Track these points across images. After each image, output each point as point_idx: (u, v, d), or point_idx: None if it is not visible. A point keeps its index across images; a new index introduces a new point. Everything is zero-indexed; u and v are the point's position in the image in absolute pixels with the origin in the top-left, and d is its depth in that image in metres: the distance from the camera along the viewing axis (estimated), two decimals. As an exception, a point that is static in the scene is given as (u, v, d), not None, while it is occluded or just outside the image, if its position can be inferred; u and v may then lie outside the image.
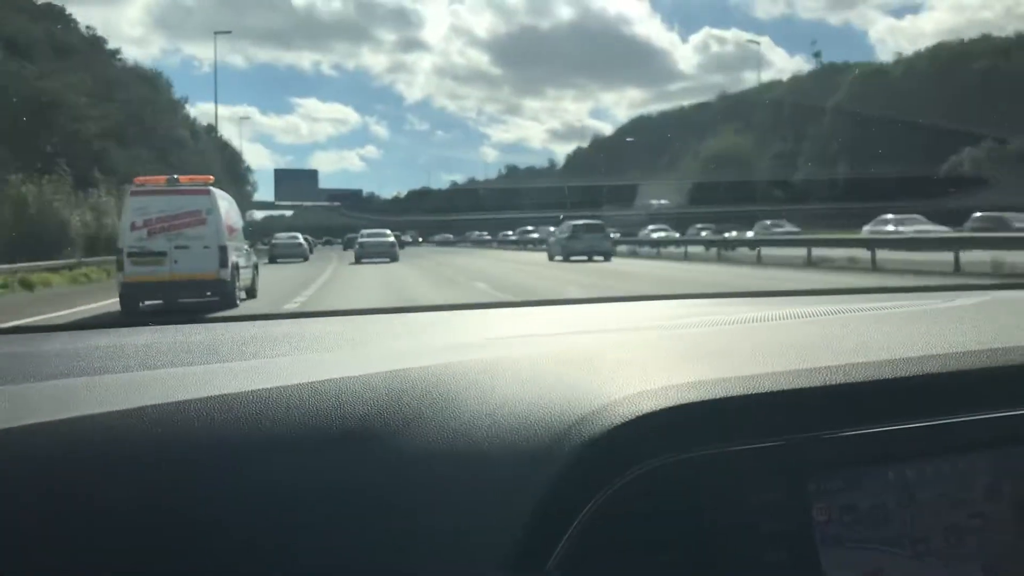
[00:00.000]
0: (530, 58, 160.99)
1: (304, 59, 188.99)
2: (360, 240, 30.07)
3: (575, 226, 25.63)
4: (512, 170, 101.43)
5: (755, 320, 1.10)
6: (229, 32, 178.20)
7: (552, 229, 29.00)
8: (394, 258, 27.65)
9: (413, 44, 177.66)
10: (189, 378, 0.78)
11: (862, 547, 0.73)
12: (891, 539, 0.74)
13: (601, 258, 24.53)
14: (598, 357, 0.84)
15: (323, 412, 0.69)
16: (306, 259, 31.27)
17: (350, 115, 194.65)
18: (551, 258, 26.11)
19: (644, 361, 0.84)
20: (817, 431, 0.73)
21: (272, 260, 30.31)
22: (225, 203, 13.14)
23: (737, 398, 0.72)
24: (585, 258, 24.52)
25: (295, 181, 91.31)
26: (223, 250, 12.29)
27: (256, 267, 15.15)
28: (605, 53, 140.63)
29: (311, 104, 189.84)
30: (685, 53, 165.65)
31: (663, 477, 0.67)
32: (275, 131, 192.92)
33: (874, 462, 0.74)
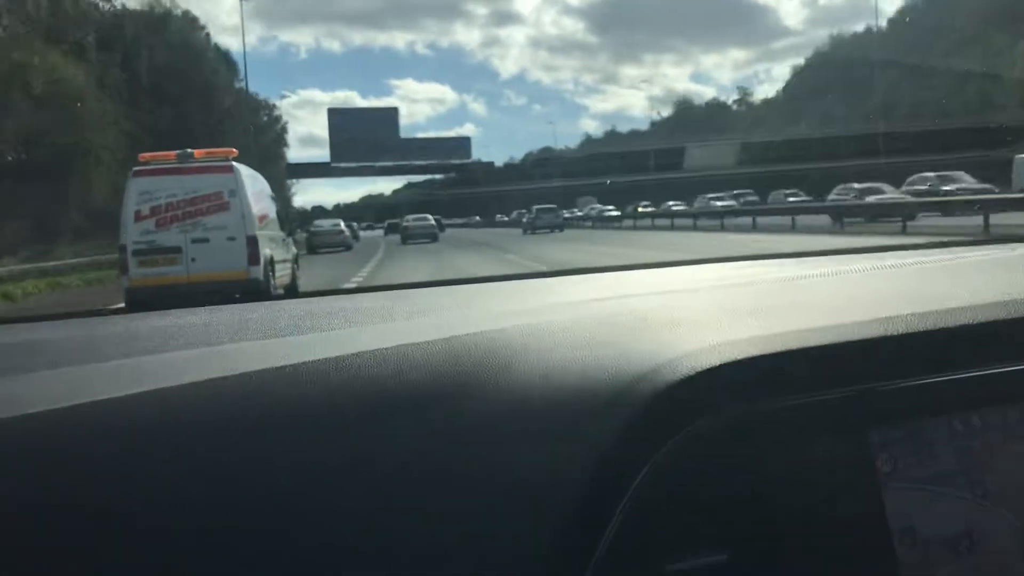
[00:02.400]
0: (626, 23, 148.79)
1: (398, 39, 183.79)
2: (404, 224, 36.02)
3: (537, 209, 37.30)
4: (612, 134, 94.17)
5: (804, 277, 1.10)
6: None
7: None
8: (435, 239, 33.06)
9: (506, 17, 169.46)
10: (249, 352, 0.80)
11: (927, 496, 0.72)
12: (956, 487, 0.73)
13: (557, 230, 35.35)
14: (651, 317, 0.84)
15: (384, 379, 0.69)
16: (350, 248, 29.17)
17: (447, 94, 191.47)
18: (523, 233, 35.77)
19: (696, 319, 0.82)
20: (877, 382, 0.72)
21: (312, 250, 28.05)
22: (254, 183, 10.50)
23: (793, 352, 0.71)
24: (548, 230, 35.10)
25: (362, 127, 60.24)
26: (253, 242, 9.67)
27: (296, 260, 12.54)
28: (705, 13, 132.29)
29: (408, 85, 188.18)
30: (790, 8, 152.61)
31: (721, 433, 0.67)
32: None
33: (937, 411, 0.73)
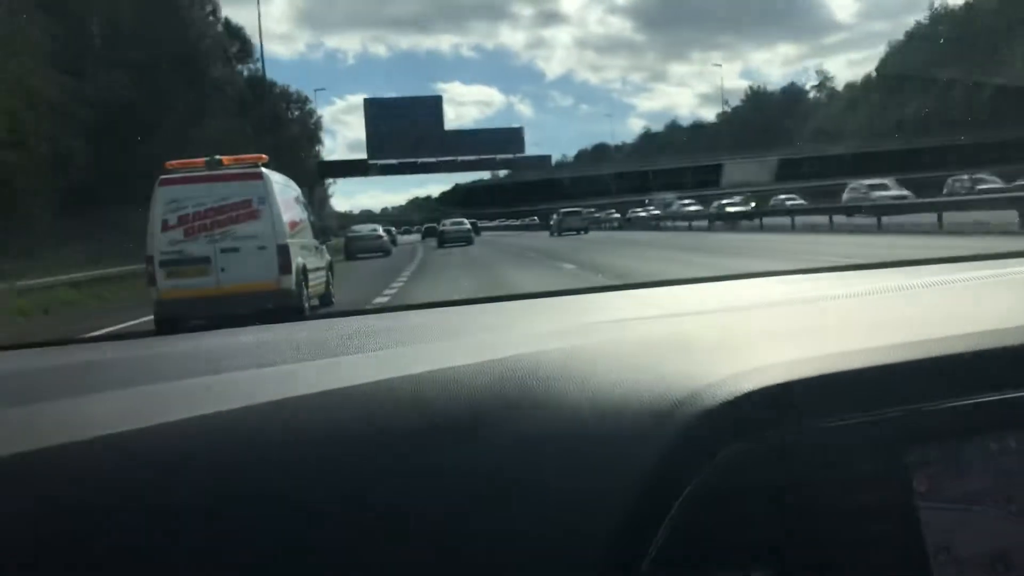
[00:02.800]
0: (673, 20, 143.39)
1: (444, 42, 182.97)
2: (441, 228, 37.25)
3: (563, 212, 38.15)
4: (673, 127, 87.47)
5: (848, 295, 1.12)
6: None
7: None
8: (470, 242, 34.50)
9: (551, 17, 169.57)
10: (301, 374, 0.82)
11: (964, 516, 0.72)
12: (993, 507, 0.73)
13: (583, 231, 37.12)
14: (691, 339, 0.87)
15: (428, 403, 0.71)
16: (388, 253, 28.59)
17: (494, 96, 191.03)
18: (551, 235, 37.18)
19: (736, 342, 0.85)
20: (914, 404, 0.73)
21: (350, 256, 27.58)
22: (284, 189, 10.13)
23: (830, 375, 0.73)
24: (574, 232, 36.36)
25: (403, 120, 53.11)
26: (284, 251, 9.29)
27: (331, 267, 12.17)
28: (753, 8, 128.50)
29: (455, 88, 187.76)
30: (842, 1, 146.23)
31: (760, 456, 0.68)
32: None
33: (974, 432, 0.74)
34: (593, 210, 49.51)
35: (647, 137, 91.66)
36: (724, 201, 35.50)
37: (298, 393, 0.71)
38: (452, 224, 36.93)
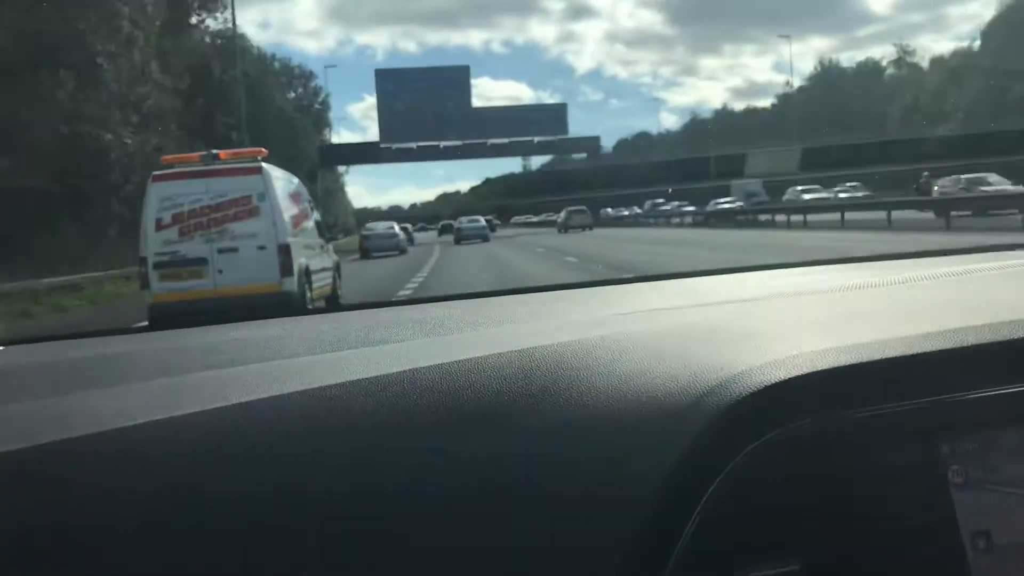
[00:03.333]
0: (704, 13, 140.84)
1: (473, 38, 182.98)
2: (458, 225, 38.52)
3: (569, 211, 40.99)
4: (723, 112, 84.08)
5: (875, 284, 1.09)
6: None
7: None
8: (486, 239, 35.51)
9: (581, 11, 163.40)
10: (324, 365, 0.81)
11: (1000, 503, 0.71)
12: None
13: (588, 228, 39.10)
14: (721, 329, 0.85)
15: (455, 393, 0.70)
16: (404, 252, 27.95)
17: (523, 91, 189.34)
18: (558, 232, 39.18)
19: (766, 331, 0.83)
20: (948, 393, 0.71)
21: (365, 255, 27.10)
22: (287, 185, 9.56)
23: (863, 364, 0.71)
24: (580, 229, 38.54)
25: (422, 96, 43.78)
26: (285, 251, 8.73)
27: (338, 268, 11.60)
28: (785, 0, 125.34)
29: (484, 83, 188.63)
30: None
31: (790, 446, 0.67)
32: None
33: (1009, 422, 0.72)
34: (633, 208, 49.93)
35: (695, 124, 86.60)
36: (799, 188, 33.16)
37: (316, 385, 0.71)
38: (468, 221, 38.58)
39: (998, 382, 0.72)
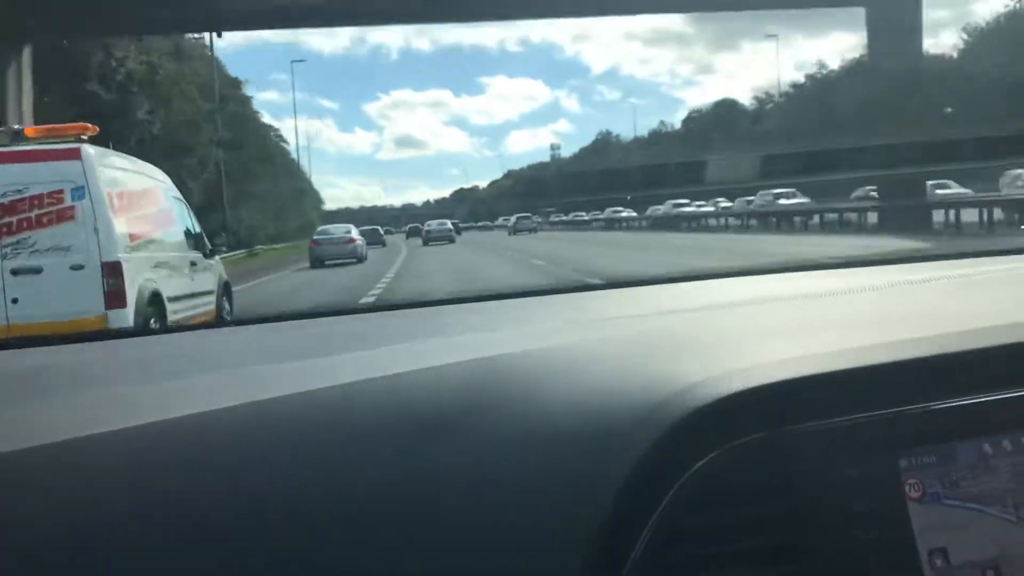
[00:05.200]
0: (722, 10, 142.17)
1: (489, 37, 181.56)
2: (427, 228, 42.09)
3: (517, 217, 48.00)
4: (725, 104, 75.81)
5: (842, 292, 1.09)
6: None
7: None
8: (452, 241, 38.28)
9: (597, 7, 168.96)
10: (272, 376, 0.79)
11: (958, 519, 0.70)
12: (987, 510, 0.71)
13: (533, 232, 44.27)
14: (679, 338, 0.85)
15: (409, 402, 0.70)
16: (362, 260, 24.50)
17: (540, 90, 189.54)
18: (509, 235, 44.20)
19: (725, 340, 0.82)
20: (908, 404, 0.71)
21: (315, 264, 23.85)
22: (126, 176, 6.82)
23: (820, 376, 0.71)
24: (527, 232, 44.02)
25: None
26: (113, 271, 6.02)
27: (227, 290, 8.86)
28: None
29: (500, 82, 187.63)
30: None
31: (747, 458, 0.67)
32: (469, 113, 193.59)
33: (968, 435, 0.72)
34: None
35: (723, 105, 78.82)
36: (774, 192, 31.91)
37: (265, 396, 0.70)
38: (437, 224, 42.02)
39: (957, 393, 0.72)
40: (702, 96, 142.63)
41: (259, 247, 32.78)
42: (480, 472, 0.64)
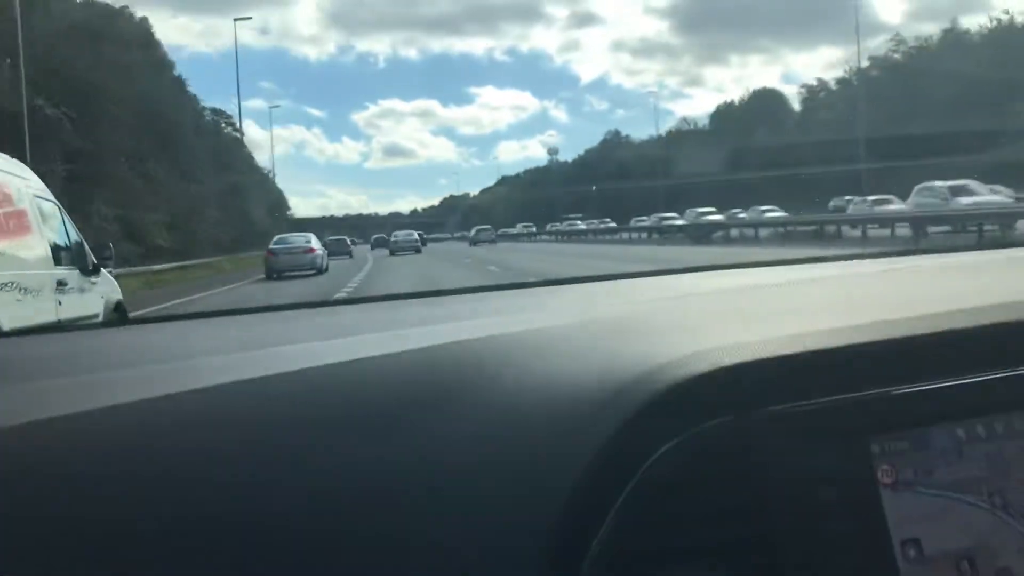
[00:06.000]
0: (711, 22, 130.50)
1: (477, 46, 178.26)
2: (393, 239, 44.10)
3: (477, 229, 54.40)
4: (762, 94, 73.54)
5: (804, 281, 1.09)
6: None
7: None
8: (418, 250, 40.19)
9: (585, 19, 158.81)
10: (217, 366, 0.77)
11: (932, 508, 0.68)
12: (962, 498, 0.69)
13: (491, 243, 48.63)
14: (642, 323, 0.82)
15: (350, 394, 0.68)
16: (321, 272, 23.25)
17: (528, 100, 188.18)
18: (469, 245, 47.83)
19: (688, 324, 0.81)
20: (877, 388, 0.69)
21: (270, 275, 22.55)
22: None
23: (788, 356, 0.69)
24: (488, 243, 48.70)
25: None
26: None
27: (120, 311, 7.29)
28: (794, 9, 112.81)
29: (488, 92, 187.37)
30: (887, 1, 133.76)
31: (714, 442, 0.64)
32: (457, 123, 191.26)
33: (941, 419, 0.70)
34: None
35: (727, 111, 77.74)
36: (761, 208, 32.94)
37: (210, 384, 0.68)
38: (403, 235, 44.13)
39: (929, 376, 0.70)
40: (690, 108, 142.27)
41: (162, 265, 27.44)
42: (436, 461, 0.61)
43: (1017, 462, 0.70)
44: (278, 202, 69.15)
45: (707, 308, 0.91)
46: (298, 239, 24.63)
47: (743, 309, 0.88)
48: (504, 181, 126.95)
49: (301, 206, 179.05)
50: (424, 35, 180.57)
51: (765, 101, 72.73)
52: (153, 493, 0.59)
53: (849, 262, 1.47)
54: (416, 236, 43.63)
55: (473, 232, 53.96)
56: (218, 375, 0.70)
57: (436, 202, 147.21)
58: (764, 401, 0.65)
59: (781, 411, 0.65)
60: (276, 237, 25.89)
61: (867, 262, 1.40)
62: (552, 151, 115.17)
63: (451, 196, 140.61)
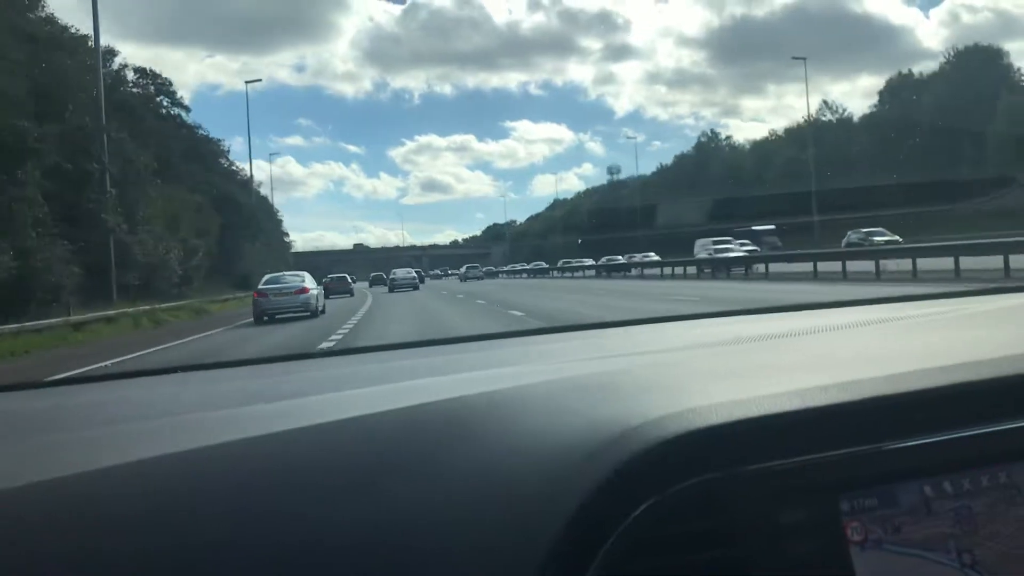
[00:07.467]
0: (746, 53, 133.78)
1: (511, 80, 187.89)
2: (392, 276, 45.07)
3: (467, 267, 62.76)
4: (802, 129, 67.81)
5: (784, 335, 1.12)
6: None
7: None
8: (416, 287, 41.69)
9: (620, 52, 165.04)
10: (204, 425, 0.80)
11: (899, 564, 0.70)
12: (928, 554, 0.70)
13: (479, 280, 55.80)
14: (621, 382, 0.85)
15: (332, 454, 0.70)
16: (315, 315, 21.38)
17: (564, 133, 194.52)
18: (460, 281, 55.77)
19: (667, 384, 0.83)
20: (848, 447, 0.71)
21: (261, 318, 21.11)
22: None
23: (760, 419, 0.71)
24: (477, 279, 56.27)
25: None
26: None
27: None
28: (832, 38, 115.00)
29: (524, 126, 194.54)
30: (929, 28, 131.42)
31: (687, 502, 0.67)
32: (493, 157, 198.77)
33: (909, 476, 0.72)
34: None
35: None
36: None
37: (196, 445, 0.70)
38: (403, 273, 44.80)
39: (899, 435, 0.72)
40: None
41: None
42: (418, 519, 0.62)
43: (985, 519, 0.71)
44: (279, 238, 68.82)
45: (683, 367, 0.92)
46: (291, 278, 22.84)
47: (717, 368, 0.90)
48: (556, 205, 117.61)
49: (340, 241, 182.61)
50: (458, 70, 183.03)
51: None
52: (109, 569, 0.59)
53: (831, 310, 1.54)
54: (414, 273, 45.81)
55: (463, 269, 63.08)
56: (207, 434, 0.71)
57: (479, 232, 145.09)
58: (737, 461, 0.67)
59: (753, 471, 0.67)
60: (266, 276, 24.06)
61: (838, 312, 1.45)
62: (613, 169, 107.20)
63: (495, 224, 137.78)
